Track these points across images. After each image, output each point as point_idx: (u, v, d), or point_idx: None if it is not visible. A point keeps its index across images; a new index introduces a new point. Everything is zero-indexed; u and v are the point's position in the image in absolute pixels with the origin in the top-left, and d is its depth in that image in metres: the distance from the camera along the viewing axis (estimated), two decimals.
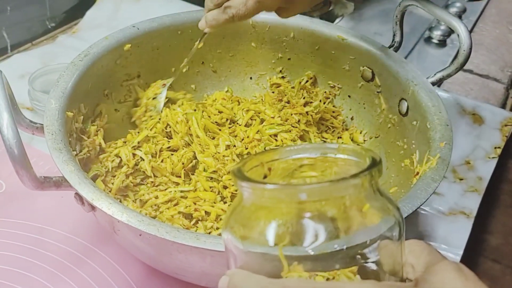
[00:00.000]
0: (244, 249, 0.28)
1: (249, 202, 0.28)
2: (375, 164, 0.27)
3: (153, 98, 0.59)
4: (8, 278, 0.50)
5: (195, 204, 0.51)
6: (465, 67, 0.85)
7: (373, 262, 0.27)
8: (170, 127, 0.56)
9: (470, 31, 0.93)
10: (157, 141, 0.55)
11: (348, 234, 0.26)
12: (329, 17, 0.89)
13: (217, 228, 0.49)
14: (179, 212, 0.50)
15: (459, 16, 0.95)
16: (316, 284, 0.25)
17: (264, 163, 0.31)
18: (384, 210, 0.28)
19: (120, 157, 0.52)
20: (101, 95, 0.56)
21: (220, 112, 0.59)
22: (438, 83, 0.56)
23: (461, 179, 0.65)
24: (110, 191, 0.51)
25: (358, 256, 0.27)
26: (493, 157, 0.68)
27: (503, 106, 0.80)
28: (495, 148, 0.70)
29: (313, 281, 0.26)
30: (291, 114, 0.59)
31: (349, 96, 0.64)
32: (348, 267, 0.27)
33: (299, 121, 0.58)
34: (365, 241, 0.27)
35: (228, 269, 0.29)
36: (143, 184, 0.53)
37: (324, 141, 0.59)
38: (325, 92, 0.64)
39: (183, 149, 0.55)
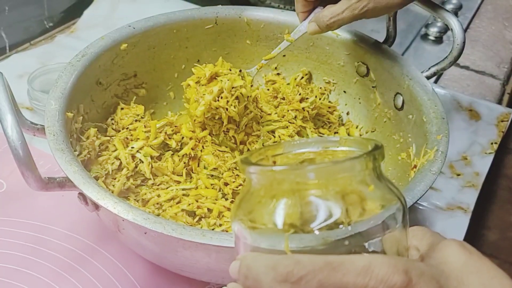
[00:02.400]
0: (253, 235, 0.28)
1: (257, 187, 0.29)
2: (377, 147, 0.28)
3: None
4: (11, 276, 0.50)
5: (197, 201, 0.51)
6: (462, 64, 0.86)
7: (377, 246, 0.27)
8: (168, 138, 0.55)
9: (466, 28, 0.93)
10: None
11: (353, 219, 0.27)
12: None
13: (220, 225, 0.50)
14: (182, 210, 0.50)
15: (455, 12, 0.95)
16: (328, 257, 0.25)
17: (268, 156, 0.31)
18: (388, 195, 0.28)
19: (119, 159, 0.52)
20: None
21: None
22: (432, 77, 0.57)
23: (458, 175, 0.66)
24: (112, 193, 0.51)
25: (363, 241, 0.27)
26: (490, 153, 0.69)
27: (500, 102, 0.80)
28: (492, 143, 0.70)
29: (325, 255, 0.26)
30: (288, 111, 0.59)
31: (344, 92, 0.64)
32: (353, 252, 0.27)
33: (295, 117, 0.59)
34: (370, 226, 0.27)
35: (237, 254, 0.30)
36: (144, 185, 0.53)
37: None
38: (320, 88, 0.64)
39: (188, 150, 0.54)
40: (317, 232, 0.26)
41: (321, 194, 0.27)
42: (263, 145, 0.56)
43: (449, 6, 0.95)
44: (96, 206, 0.43)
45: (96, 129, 0.53)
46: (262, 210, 0.28)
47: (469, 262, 0.27)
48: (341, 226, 0.26)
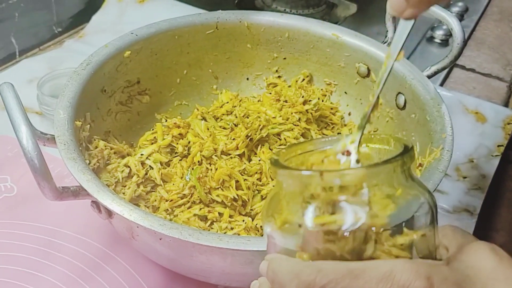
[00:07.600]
0: (281, 235, 0.29)
1: (286, 189, 0.29)
2: (407, 150, 0.28)
3: None
4: (22, 279, 0.50)
5: (208, 206, 0.51)
6: (468, 66, 0.85)
7: (407, 244, 0.28)
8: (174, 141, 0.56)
9: (472, 30, 0.93)
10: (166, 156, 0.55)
11: (381, 219, 0.27)
12: (332, 19, 0.90)
13: (232, 228, 0.50)
14: (194, 215, 0.50)
15: (461, 15, 0.95)
16: (350, 264, 0.26)
17: (297, 154, 0.32)
18: (417, 195, 0.29)
19: (129, 167, 0.52)
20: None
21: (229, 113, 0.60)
22: (433, 76, 0.57)
23: (464, 177, 0.65)
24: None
25: (392, 240, 0.27)
26: (496, 155, 0.68)
27: (506, 104, 0.80)
28: (498, 146, 0.70)
29: (347, 262, 0.26)
30: (291, 113, 0.59)
31: (345, 93, 0.64)
32: (381, 250, 0.27)
33: (299, 119, 0.59)
34: (399, 224, 0.27)
35: (267, 253, 0.31)
36: (154, 192, 0.53)
37: None
38: (321, 89, 0.64)
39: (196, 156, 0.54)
40: (346, 235, 0.27)
41: (349, 198, 0.27)
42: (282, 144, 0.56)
43: (455, 9, 0.95)
44: (110, 214, 0.44)
45: (105, 142, 0.53)
46: (291, 212, 0.29)
47: (498, 269, 0.26)
48: (373, 228, 0.27)
